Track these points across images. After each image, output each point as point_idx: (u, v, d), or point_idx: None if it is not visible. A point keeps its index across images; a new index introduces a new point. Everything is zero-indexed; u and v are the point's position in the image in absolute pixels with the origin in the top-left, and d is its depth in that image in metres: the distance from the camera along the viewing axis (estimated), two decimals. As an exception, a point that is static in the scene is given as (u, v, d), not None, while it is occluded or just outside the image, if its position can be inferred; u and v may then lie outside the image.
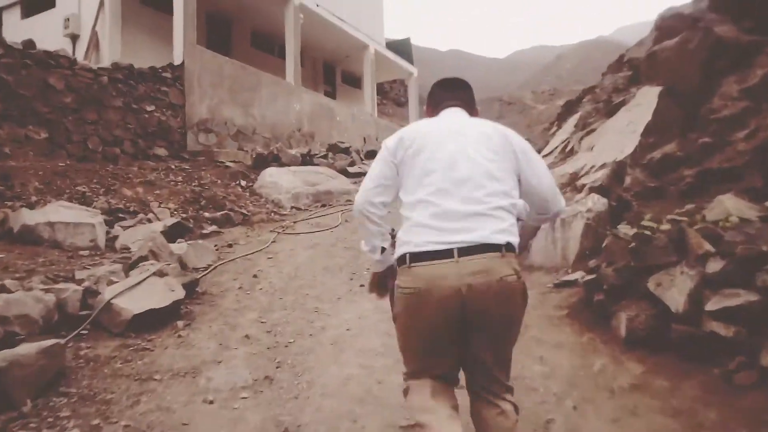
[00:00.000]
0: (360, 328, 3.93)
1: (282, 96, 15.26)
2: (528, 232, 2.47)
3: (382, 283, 2.29)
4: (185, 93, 12.30)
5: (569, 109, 15.51)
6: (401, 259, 1.97)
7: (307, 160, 11.91)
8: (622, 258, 3.56)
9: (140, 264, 4.63)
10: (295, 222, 8.05)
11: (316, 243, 6.67)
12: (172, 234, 6.94)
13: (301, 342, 3.82)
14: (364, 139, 19.02)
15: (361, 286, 4.97)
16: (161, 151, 11.67)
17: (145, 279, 4.15)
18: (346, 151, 13.80)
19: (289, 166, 11.31)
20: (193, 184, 10.03)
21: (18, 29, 14.58)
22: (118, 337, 3.75)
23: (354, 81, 23.34)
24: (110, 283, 4.21)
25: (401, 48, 22.59)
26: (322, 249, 6.39)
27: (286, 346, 3.76)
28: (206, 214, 8.24)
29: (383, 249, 2.16)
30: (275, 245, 6.62)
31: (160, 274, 4.33)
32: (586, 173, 5.18)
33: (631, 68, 6.78)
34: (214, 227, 7.51)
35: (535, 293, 4.36)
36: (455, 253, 1.85)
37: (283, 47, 16.56)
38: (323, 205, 9.50)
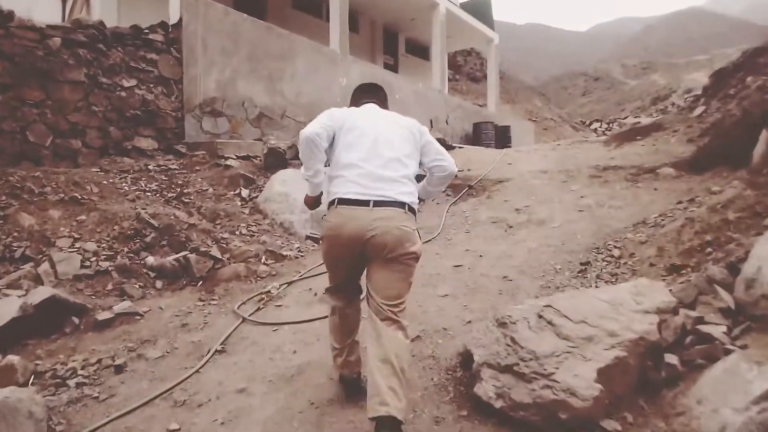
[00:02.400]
0: None
1: (324, 67, 11.73)
2: (428, 194, 3.05)
3: (316, 203, 2.85)
4: (183, 62, 8.99)
5: (722, 79, 11.15)
6: (331, 202, 2.62)
7: (343, 156, 8.35)
8: None
9: None
10: (290, 282, 4.53)
11: (306, 363, 3.11)
12: (38, 323, 3.62)
13: None
14: (431, 121, 15.25)
15: None
16: (147, 143, 8.45)
17: None
18: (404, 140, 10.13)
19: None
20: (169, 195, 6.73)
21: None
22: None
23: (421, 51, 19.51)
24: None
25: (479, 9, 18.47)
26: (306, 397, 2.81)
27: None
28: (150, 259, 4.88)
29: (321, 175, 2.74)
30: (212, 368, 3.12)
31: None
32: None
33: None
34: (128, 303, 4.09)
35: None
36: (371, 203, 2.52)
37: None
38: (355, 236, 5.94)
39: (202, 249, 5.12)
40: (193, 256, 4.91)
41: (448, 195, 7.25)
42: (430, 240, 5.48)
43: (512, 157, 9.96)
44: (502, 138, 16.99)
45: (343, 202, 2.54)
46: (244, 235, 5.90)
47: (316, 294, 4.15)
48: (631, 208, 5.61)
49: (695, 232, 4.00)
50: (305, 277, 4.58)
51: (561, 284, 3.90)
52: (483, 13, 18.58)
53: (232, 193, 7.17)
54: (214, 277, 4.70)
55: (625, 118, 39.83)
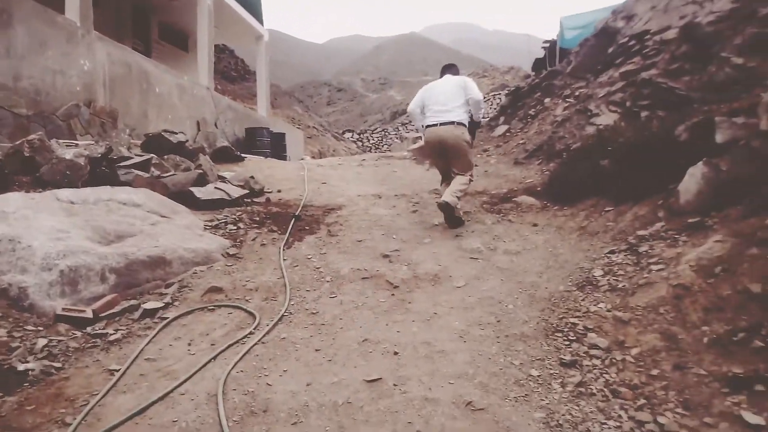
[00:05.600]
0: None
1: (58, 43, 8.49)
2: (474, 127, 5.89)
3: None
4: None
5: (519, 99, 11.07)
6: (425, 127, 5.55)
7: (101, 170, 5.66)
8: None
9: None
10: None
11: None
12: None
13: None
14: (198, 123, 12.71)
15: None
16: None
17: None
18: (182, 148, 7.66)
19: (60, 187, 5.05)
20: None
21: None
22: None
23: (179, 39, 16.61)
24: None
25: (247, 0, 16.35)
26: None
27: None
28: None
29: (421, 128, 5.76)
30: None
31: None
32: None
33: None
34: None
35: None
36: (438, 124, 5.41)
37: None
38: (150, 315, 3.62)
39: None
40: None
41: (272, 230, 5.23)
42: (281, 318, 3.49)
43: (319, 174, 8.30)
44: (277, 146, 15.20)
45: (428, 126, 5.54)
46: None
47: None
48: (533, 253, 4.40)
49: (705, 308, 2.86)
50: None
51: (569, 415, 2.37)
52: (252, 5, 16.52)
53: None
54: None
55: (375, 130, 41.22)
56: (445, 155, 5.52)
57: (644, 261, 3.58)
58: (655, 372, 2.62)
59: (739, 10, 6.11)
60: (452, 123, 5.34)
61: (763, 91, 4.24)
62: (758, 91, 4.61)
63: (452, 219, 5.28)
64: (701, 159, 4.05)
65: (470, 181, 5.54)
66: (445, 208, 5.14)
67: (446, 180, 5.66)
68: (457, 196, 5.24)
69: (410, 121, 46.38)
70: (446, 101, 5.45)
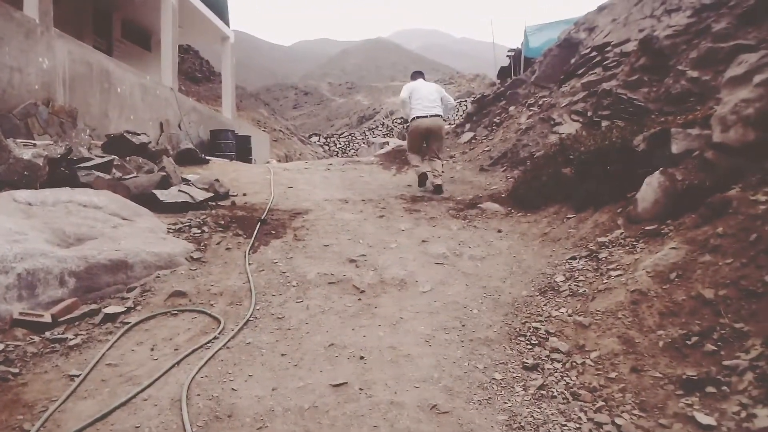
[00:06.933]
0: None
1: (14, 39, 8.25)
2: (447, 114, 8.00)
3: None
4: None
5: (484, 107, 11.23)
6: (412, 118, 7.70)
7: (61, 171, 5.52)
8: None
9: None
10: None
11: None
12: None
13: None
14: (161, 125, 12.48)
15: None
16: None
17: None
18: (144, 149, 7.52)
19: (17, 188, 4.91)
20: None
21: None
22: None
23: (141, 38, 16.30)
24: None
25: (214, 1, 16.16)
26: None
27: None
28: None
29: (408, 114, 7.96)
30: None
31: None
32: None
33: None
34: None
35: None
36: (428, 116, 7.56)
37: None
38: (111, 319, 3.54)
39: None
40: None
41: (238, 234, 5.19)
42: (246, 322, 3.46)
43: (285, 178, 8.26)
44: (242, 149, 15.05)
45: (418, 117, 7.53)
46: None
47: None
48: (498, 259, 4.49)
49: (660, 313, 2.96)
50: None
51: (531, 417, 2.43)
52: (218, 6, 16.34)
53: None
54: None
55: (341, 134, 41.19)
56: (427, 138, 7.66)
57: (604, 267, 3.69)
58: (613, 375, 2.70)
59: (694, 25, 6.36)
60: (437, 116, 7.54)
61: (716, 104, 4.42)
62: (712, 103, 4.80)
63: (439, 190, 7.31)
64: (658, 169, 4.20)
65: (443, 161, 7.87)
66: (439, 190, 7.30)
67: (423, 154, 7.82)
68: (442, 180, 7.46)
69: (375, 126, 46.71)
70: (431, 99, 7.60)
